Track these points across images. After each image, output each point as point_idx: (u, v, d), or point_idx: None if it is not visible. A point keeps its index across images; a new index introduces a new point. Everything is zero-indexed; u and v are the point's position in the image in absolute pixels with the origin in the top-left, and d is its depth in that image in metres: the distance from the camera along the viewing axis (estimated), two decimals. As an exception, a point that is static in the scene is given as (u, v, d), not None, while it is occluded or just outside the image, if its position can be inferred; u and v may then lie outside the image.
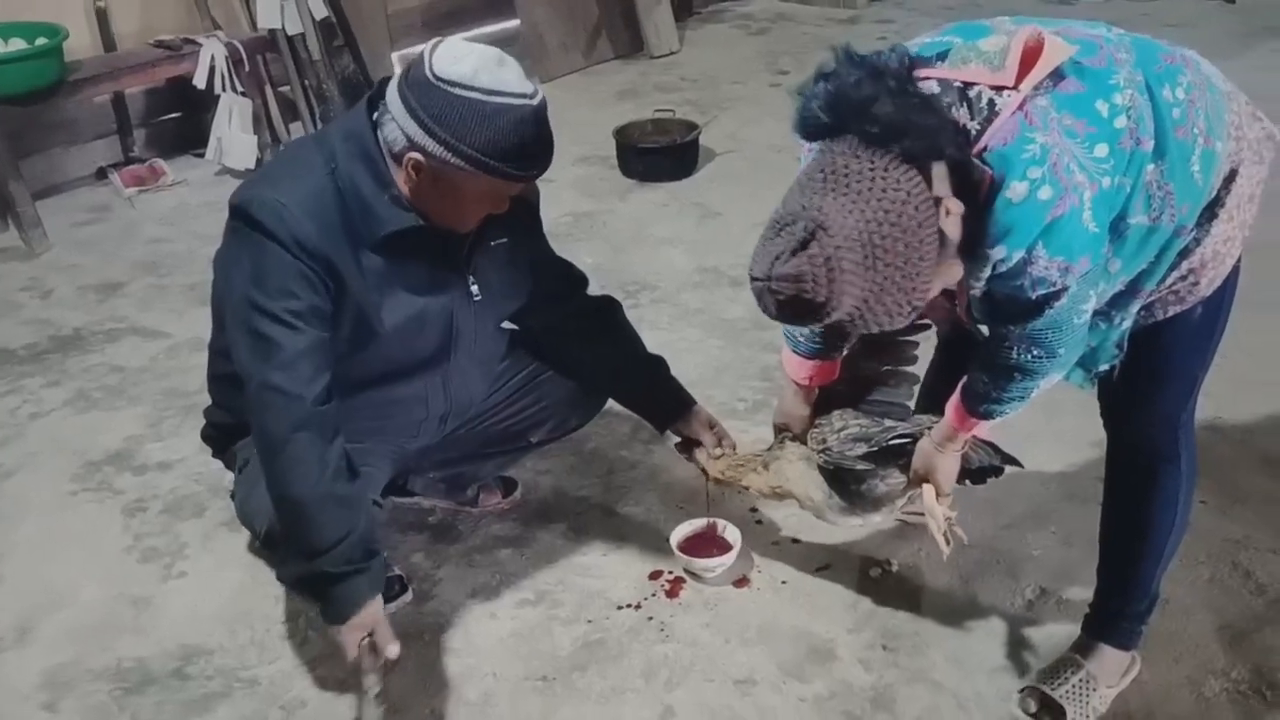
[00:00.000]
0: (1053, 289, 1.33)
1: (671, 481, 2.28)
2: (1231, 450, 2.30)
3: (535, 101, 1.59)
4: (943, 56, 1.32)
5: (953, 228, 1.28)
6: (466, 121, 1.55)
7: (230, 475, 1.99)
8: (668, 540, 2.06)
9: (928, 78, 1.30)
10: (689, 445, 2.02)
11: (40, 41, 3.34)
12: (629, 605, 1.99)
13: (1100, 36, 1.37)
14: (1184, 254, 1.43)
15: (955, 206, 1.27)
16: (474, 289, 1.81)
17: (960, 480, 1.73)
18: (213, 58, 3.69)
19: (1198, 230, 1.42)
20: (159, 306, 3.10)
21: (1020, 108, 1.27)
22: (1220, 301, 1.52)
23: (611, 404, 2.16)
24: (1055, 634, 1.87)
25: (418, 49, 1.67)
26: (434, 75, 1.56)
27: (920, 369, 1.92)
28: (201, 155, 3.90)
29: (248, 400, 1.65)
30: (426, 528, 2.21)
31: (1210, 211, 1.42)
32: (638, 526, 2.19)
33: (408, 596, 2.02)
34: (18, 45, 3.33)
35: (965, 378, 1.55)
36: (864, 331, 1.31)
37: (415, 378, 1.85)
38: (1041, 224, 1.28)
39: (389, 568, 1.89)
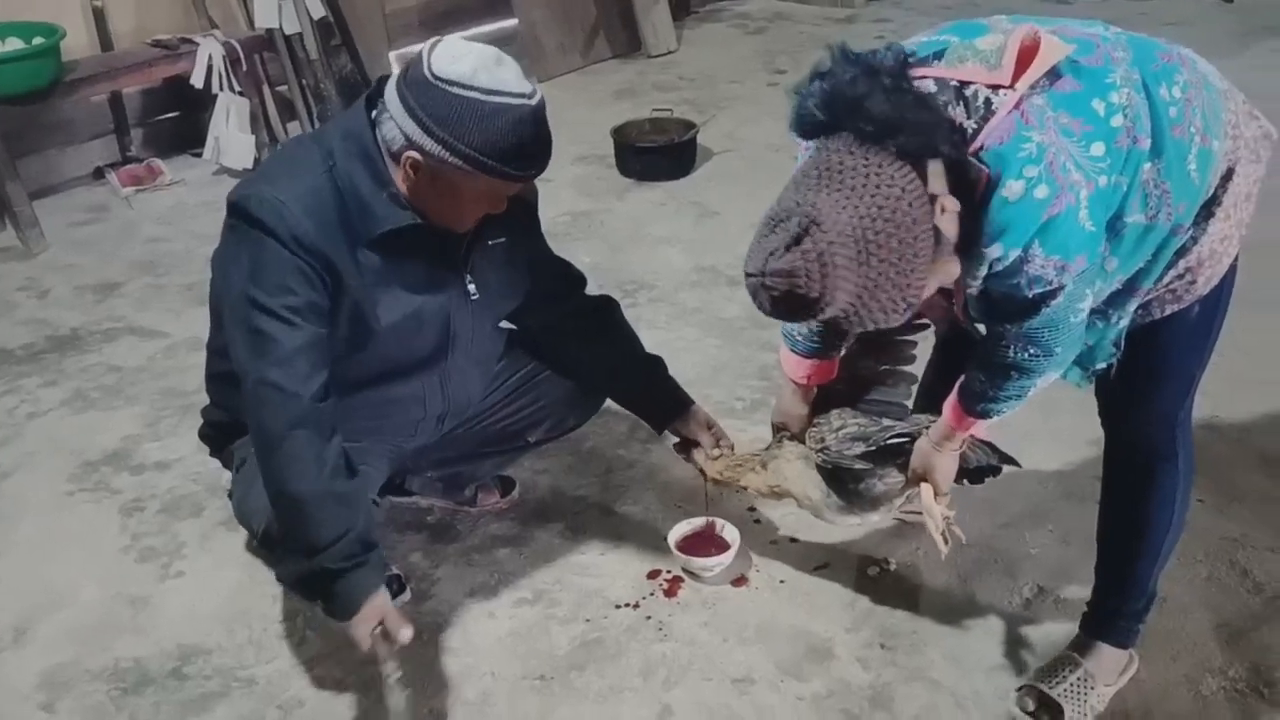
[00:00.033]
0: (1049, 288, 1.34)
1: (669, 481, 2.28)
2: (1229, 449, 2.31)
3: (534, 101, 1.59)
4: (939, 55, 1.32)
5: (948, 225, 1.29)
6: (465, 121, 1.55)
7: (228, 474, 1.99)
8: (666, 539, 2.06)
9: (924, 76, 1.31)
10: (687, 445, 2.03)
11: (37, 41, 3.34)
12: (627, 604, 1.99)
13: (1097, 35, 1.37)
14: (1181, 253, 1.44)
15: (951, 204, 1.27)
16: (471, 288, 1.81)
17: (958, 480, 1.74)
18: (210, 57, 3.69)
19: (1195, 229, 1.43)
20: (156, 306, 3.10)
21: (1016, 106, 1.27)
22: (1217, 300, 1.52)
23: (609, 403, 2.16)
24: (1053, 632, 1.87)
25: (415, 48, 1.67)
26: (432, 74, 1.56)
27: (918, 368, 1.93)
28: (199, 155, 3.90)
29: (245, 397, 1.65)
30: (424, 527, 2.21)
31: (1207, 210, 1.42)
32: (636, 526, 2.19)
33: (406, 596, 2.02)
34: (15, 45, 3.33)
35: (963, 377, 1.55)
36: (859, 329, 1.31)
37: (413, 377, 1.85)
38: (1038, 223, 1.28)
39: (387, 566, 1.89)
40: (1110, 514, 1.71)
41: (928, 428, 1.69)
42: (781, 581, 2.04)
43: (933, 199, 1.26)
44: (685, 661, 1.87)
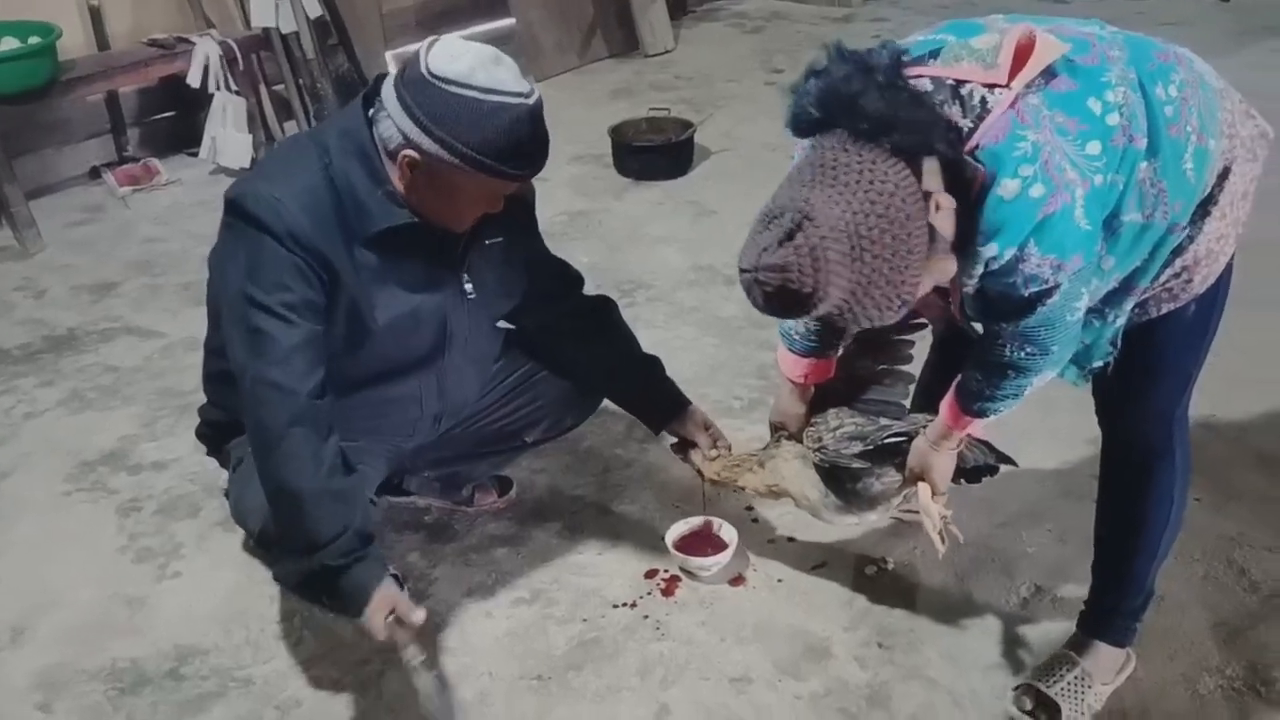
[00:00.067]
0: (1045, 286, 1.34)
1: (667, 480, 2.28)
2: (1226, 448, 2.31)
3: (531, 100, 1.59)
4: (935, 54, 1.33)
5: (944, 223, 1.29)
6: (462, 120, 1.55)
7: (225, 475, 1.99)
8: (663, 539, 2.06)
9: (920, 75, 1.31)
10: (684, 446, 2.03)
11: (33, 40, 3.33)
12: (624, 604, 1.99)
13: (1093, 34, 1.37)
14: (1177, 251, 1.44)
15: (946, 202, 1.27)
16: (468, 287, 1.81)
17: (955, 480, 1.74)
18: (206, 56, 3.68)
19: (1191, 227, 1.43)
20: (153, 306, 3.09)
21: (1012, 105, 1.27)
22: (1214, 299, 1.52)
23: (607, 403, 2.15)
24: (1050, 631, 1.88)
25: (413, 48, 1.67)
26: (430, 73, 1.55)
27: (916, 368, 1.93)
28: (196, 154, 3.89)
29: (242, 395, 1.65)
30: (422, 527, 2.21)
31: (1203, 209, 1.43)
32: (633, 525, 2.19)
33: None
34: (11, 44, 3.32)
35: (959, 376, 1.55)
36: (854, 326, 1.31)
37: (410, 376, 1.85)
38: (1033, 221, 1.28)
39: (385, 564, 1.89)
40: (1107, 512, 1.71)
41: (925, 427, 1.69)
42: (779, 581, 2.04)
43: (927, 196, 1.26)
44: (683, 661, 1.87)
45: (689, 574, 2.05)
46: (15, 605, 2.04)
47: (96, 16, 3.78)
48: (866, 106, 1.24)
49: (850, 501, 1.81)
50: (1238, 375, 2.39)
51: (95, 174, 3.87)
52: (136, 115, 3.97)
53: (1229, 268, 1.51)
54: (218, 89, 3.74)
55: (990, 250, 1.30)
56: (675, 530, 2.08)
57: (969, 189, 1.28)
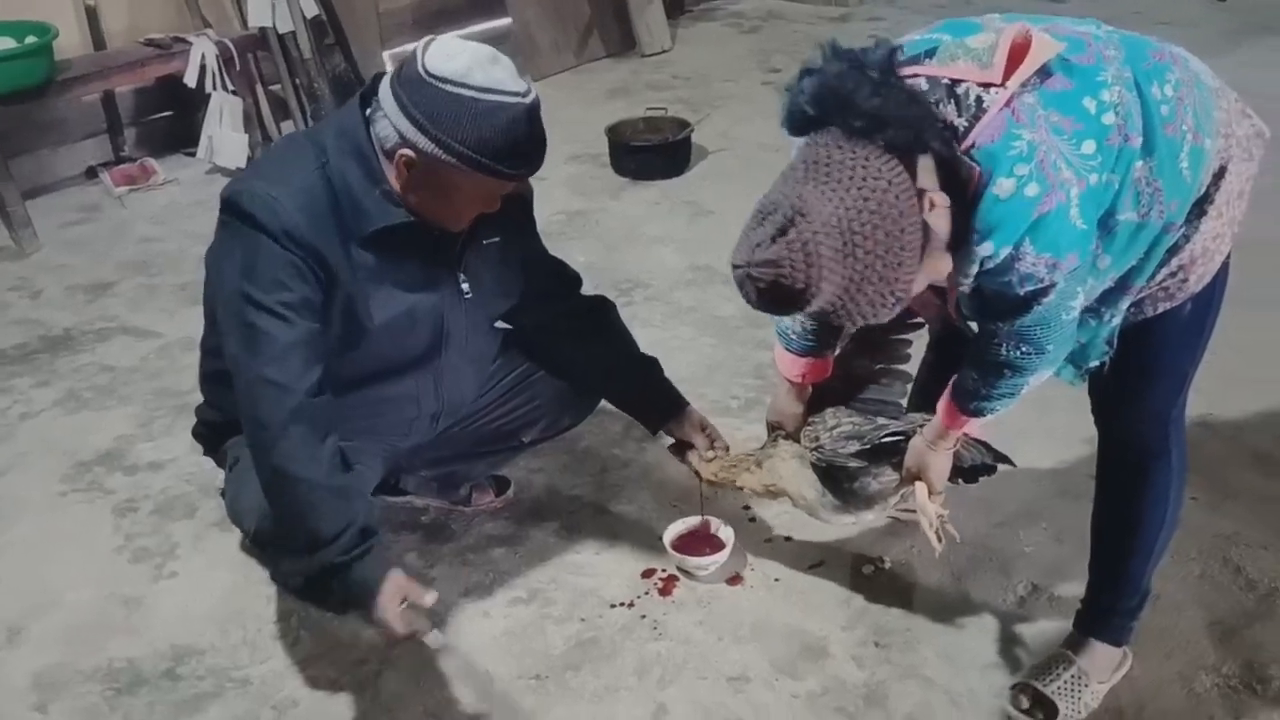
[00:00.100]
0: (1040, 285, 1.34)
1: (664, 480, 2.28)
2: (1222, 447, 2.31)
3: (528, 100, 1.59)
4: (931, 53, 1.33)
5: (938, 221, 1.29)
6: (459, 119, 1.55)
7: (221, 475, 1.98)
8: (660, 538, 2.06)
9: (916, 74, 1.31)
10: (681, 447, 2.02)
11: (29, 40, 3.33)
12: (622, 604, 1.99)
13: (1089, 34, 1.37)
14: (1173, 250, 1.44)
15: (940, 200, 1.28)
16: (465, 287, 1.81)
17: (952, 479, 1.74)
18: (203, 56, 3.68)
19: (1187, 227, 1.43)
20: (149, 306, 3.09)
21: (1007, 104, 1.27)
22: (1210, 298, 1.52)
23: (604, 403, 2.15)
24: (1047, 630, 1.88)
25: (409, 47, 1.67)
26: (427, 72, 1.55)
27: (913, 367, 1.93)
28: (192, 154, 3.89)
29: (240, 394, 1.64)
30: (419, 527, 2.21)
31: (1199, 208, 1.43)
32: (630, 525, 2.19)
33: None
34: (7, 44, 3.32)
35: (956, 375, 1.55)
36: (848, 323, 1.31)
37: (406, 376, 1.85)
38: (1028, 220, 1.28)
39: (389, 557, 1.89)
40: (1104, 512, 1.71)
41: (922, 426, 1.69)
42: (776, 580, 2.04)
43: (921, 194, 1.26)
44: (680, 660, 1.87)
45: (686, 573, 2.05)
46: (11, 605, 2.03)
47: (93, 16, 3.78)
48: (860, 103, 1.24)
49: (847, 501, 1.81)
50: (1234, 375, 2.40)
51: (92, 174, 3.87)
52: (133, 115, 3.97)
53: (1225, 267, 1.51)
54: (214, 89, 3.73)
55: (985, 249, 1.30)
56: (673, 530, 2.08)
57: (965, 188, 1.28)
